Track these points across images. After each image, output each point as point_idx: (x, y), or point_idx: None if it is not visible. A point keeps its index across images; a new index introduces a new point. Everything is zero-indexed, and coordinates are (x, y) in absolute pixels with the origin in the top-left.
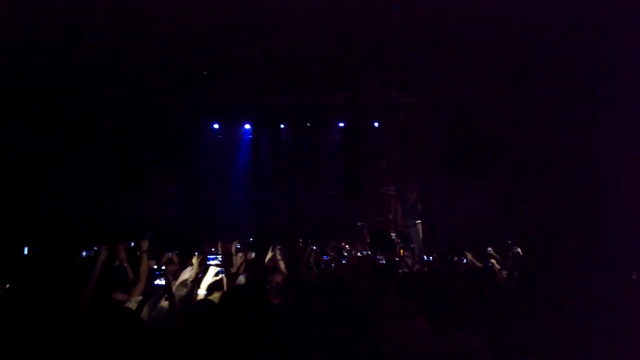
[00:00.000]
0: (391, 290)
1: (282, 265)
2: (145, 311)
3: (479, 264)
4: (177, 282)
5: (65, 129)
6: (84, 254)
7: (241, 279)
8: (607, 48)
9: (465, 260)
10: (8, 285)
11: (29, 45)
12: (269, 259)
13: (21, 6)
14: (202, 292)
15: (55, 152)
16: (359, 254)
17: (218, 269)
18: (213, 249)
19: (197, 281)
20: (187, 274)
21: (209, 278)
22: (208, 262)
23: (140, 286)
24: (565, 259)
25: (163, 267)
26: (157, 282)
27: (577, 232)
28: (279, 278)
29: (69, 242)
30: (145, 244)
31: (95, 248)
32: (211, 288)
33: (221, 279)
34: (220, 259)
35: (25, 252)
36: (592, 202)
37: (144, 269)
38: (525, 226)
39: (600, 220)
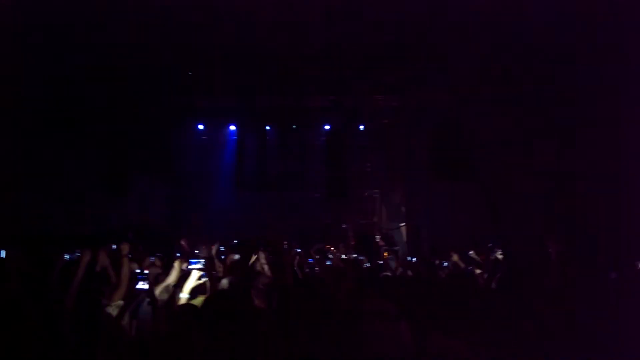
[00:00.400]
0: (373, 293)
1: (266, 268)
2: (125, 318)
3: (463, 266)
4: (160, 287)
5: (48, 128)
6: (67, 257)
7: (224, 282)
8: (595, 51)
9: (446, 264)
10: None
11: (14, 44)
12: (253, 262)
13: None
14: (185, 295)
15: (37, 152)
16: (343, 256)
17: (201, 272)
18: (197, 251)
19: (178, 285)
20: (171, 278)
21: (192, 282)
22: (190, 266)
23: (122, 290)
24: (545, 263)
25: (146, 271)
26: (139, 285)
27: (557, 235)
28: (263, 281)
29: (50, 245)
30: (126, 248)
31: (77, 253)
32: (195, 292)
33: (204, 283)
34: (203, 263)
35: (2, 254)
36: (575, 206)
37: (125, 273)
38: (508, 230)
39: (582, 224)
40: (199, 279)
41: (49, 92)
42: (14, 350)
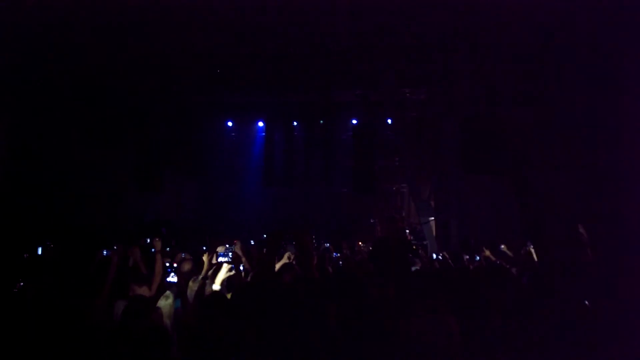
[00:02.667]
0: (403, 288)
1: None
2: (168, 309)
3: (494, 259)
4: (192, 281)
5: (82, 128)
6: (105, 253)
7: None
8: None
9: (478, 258)
10: (22, 284)
11: (45, 45)
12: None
13: (29, 7)
14: (217, 287)
15: (72, 151)
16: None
17: (230, 265)
18: (227, 245)
19: (206, 277)
20: (202, 272)
21: (222, 274)
22: (220, 259)
23: (155, 284)
24: (578, 258)
25: (175, 265)
26: (169, 279)
27: (591, 230)
28: (288, 276)
29: (86, 241)
30: (159, 244)
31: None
32: (227, 285)
33: (236, 275)
34: (231, 257)
35: (39, 251)
36: (611, 202)
37: (158, 268)
38: (540, 224)
39: (618, 219)
40: (230, 271)
41: (83, 92)
42: (52, 342)
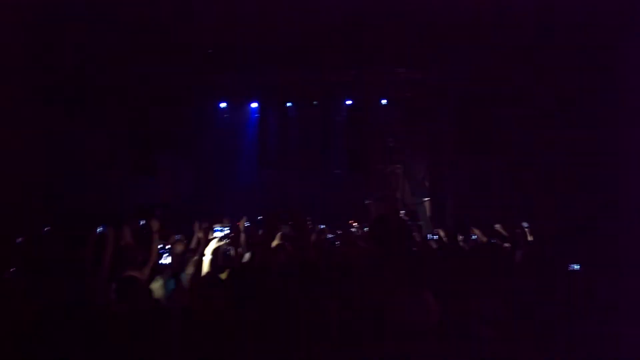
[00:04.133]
0: (396, 266)
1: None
2: (160, 291)
3: (485, 239)
4: (189, 263)
5: (74, 109)
6: (99, 229)
7: (248, 256)
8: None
9: (474, 237)
10: (13, 270)
11: (41, 26)
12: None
13: None
14: (208, 257)
15: (65, 133)
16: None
17: (223, 234)
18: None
19: (202, 255)
20: (192, 244)
21: (213, 243)
22: (215, 234)
23: (150, 265)
24: (570, 236)
25: (168, 246)
26: (162, 261)
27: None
28: (282, 256)
29: (80, 223)
30: (156, 225)
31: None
32: (221, 266)
33: (231, 255)
34: (227, 231)
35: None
36: (609, 180)
37: (154, 249)
38: (535, 203)
39: (608, 201)
40: (220, 240)
41: (74, 74)
42: (56, 325)
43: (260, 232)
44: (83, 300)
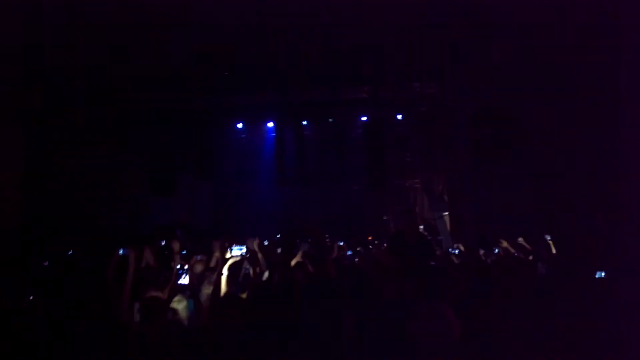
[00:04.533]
0: (417, 284)
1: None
2: (184, 312)
3: (513, 251)
4: (206, 282)
5: (97, 134)
6: (121, 252)
7: (267, 274)
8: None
9: (497, 250)
10: (32, 297)
11: (60, 50)
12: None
13: (41, 9)
14: (225, 272)
15: (87, 157)
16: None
17: (241, 252)
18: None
19: (221, 274)
20: (212, 263)
21: (231, 260)
22: (232, 253)
23: (170, 286)
24: (595, 247)
25: (186, 266)
26: (181, 281)
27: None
28: (300, 274)
29: (102, 245)
30: (177, 246)
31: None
32: (244, 286)
33: (249, 275)
34: (245, 252)
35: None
36: (623, 189)
37: (175, 270)
38: (557, 215)
39: (630, 207)
40: (236, 257)
41: (98, 98)
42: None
43: (279, 250)
44: (106, 320)
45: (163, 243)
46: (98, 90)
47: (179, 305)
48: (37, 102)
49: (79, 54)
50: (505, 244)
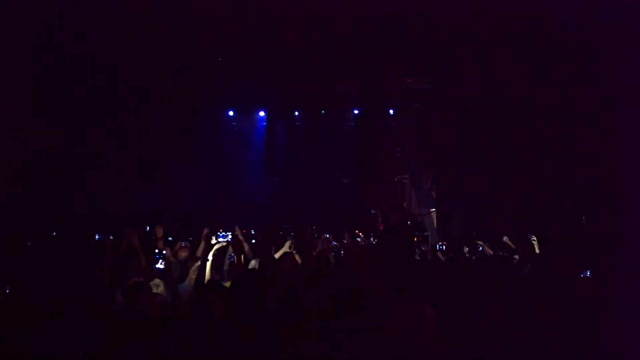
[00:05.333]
0: (401, 278)
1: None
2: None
3: (491, 252)
4: (192, 268)
5: (83, 117)
6: (97, 237)
7: (253, 263)
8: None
9: (481, 249)
10: (8, 290)
11: (46, 35)
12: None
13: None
14: (208, 261)
15: (73, 142)
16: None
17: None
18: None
19: (206, 261)
20: (198, 252)
21: (215, 246)
22: (219, 239)
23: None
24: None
25: (164, 252)
26: (158, 265)
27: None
28: (287, 264)
29: (84, 229)
30: (160, 231)
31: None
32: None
33: (235, 263)
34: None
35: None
36: (612, 192)
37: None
38: (543, 214)
39: (619, 209)
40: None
41: (84, 81)
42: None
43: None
44: (83, 303)
45: (148, 228)
46: (86, 74)
47: (157, 289)
48: (21, 85)
49: (66, 37)
50: (484, 245)
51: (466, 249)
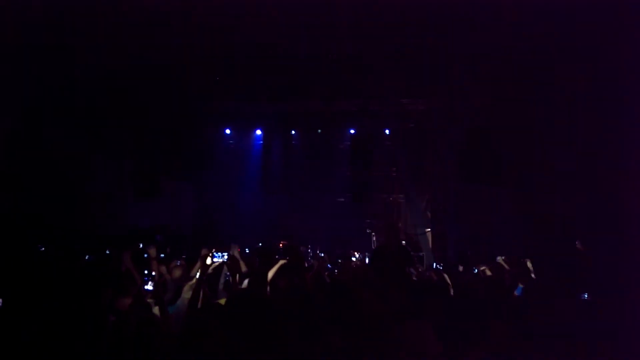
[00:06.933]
0: (398, 297)
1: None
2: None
3: (489, 274)
4: (186, 286)
5: (79, 132)
6: (87, 257)
7: (246, 282)
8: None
9: (476, 270)
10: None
11: (46, 48)
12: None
13: (32, 8)
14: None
15: (69, 156)
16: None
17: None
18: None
19: (202, 280)
20: (194, 271)
21: (205, 264)
22: (214, 260)
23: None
24: (577, 271)
25: (153, 272)
26: (147, 287)
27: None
28: (283, 282)
29: (79, 245)
30: (153, 252)
31: (107, 252)
32: (222, 291)
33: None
34: (226, 260)
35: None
36: (611, 213)
37: (156, 276)
38: (538, 236)
39: (618, 230)
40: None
41: (82, 97)
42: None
43: (257, 262)
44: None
45: (141, 246)
46: (84, 90)
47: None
48: (20, 99)
49: (66, 52)
50: (484, 267)
51: (460, 269)
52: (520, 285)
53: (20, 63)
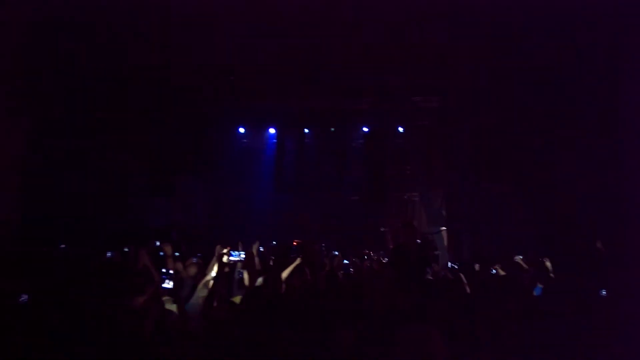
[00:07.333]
0: (412, 296)
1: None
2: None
3: (504, 274)
4: (201, 284)
5: (96, 130)
6: (109, 254)
7: (260, 280)
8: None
9: (494, 271)
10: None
11: (64, 49)
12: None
13: (47, 10)
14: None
15: (86, 156)
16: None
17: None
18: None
19: (218, 279)
20: (211, 271)
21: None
22: (230, 258)
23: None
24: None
25: (171, 270)
26: (164, 285)
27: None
28: (297, 281)
29: (96, 242)
30: (169, 249)
31: (126, 249)
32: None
33: (244, 280)
34: (243, 257)
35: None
36: (624, 209)
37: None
38: (553, 234)
39: (631, 226)
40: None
41: (99, 97)
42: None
43: (272, 260)
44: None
45: (157, 244)
46: (101, 90)
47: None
48: (38, 98)
49: (85, 52)
50: (498, 267)
51: (477, 267)
52: (540, 286)
53: (39, 61)
